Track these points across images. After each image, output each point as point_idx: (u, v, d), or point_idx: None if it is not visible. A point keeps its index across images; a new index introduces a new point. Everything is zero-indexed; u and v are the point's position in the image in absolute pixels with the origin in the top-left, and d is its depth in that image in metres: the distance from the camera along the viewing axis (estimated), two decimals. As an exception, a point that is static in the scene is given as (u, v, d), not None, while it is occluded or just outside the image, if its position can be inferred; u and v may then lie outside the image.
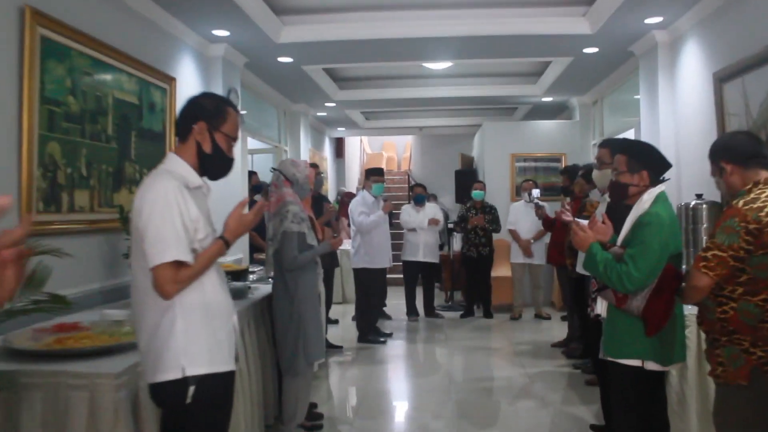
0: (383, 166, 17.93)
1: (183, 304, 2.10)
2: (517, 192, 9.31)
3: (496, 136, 9.67)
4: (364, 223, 6.80)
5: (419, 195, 8.40)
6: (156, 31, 5.16)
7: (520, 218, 8.30)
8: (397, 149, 18.91)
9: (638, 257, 2.67)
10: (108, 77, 4.34)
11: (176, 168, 2.24)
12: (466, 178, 9.46)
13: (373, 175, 7.04)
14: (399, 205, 10.08)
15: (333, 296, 8.03)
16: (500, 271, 8.96)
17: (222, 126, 2.27)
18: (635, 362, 2.80)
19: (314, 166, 6.55)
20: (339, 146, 14.13)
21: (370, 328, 7.05)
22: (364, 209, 6.88)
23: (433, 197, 12.54)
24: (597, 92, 8.99)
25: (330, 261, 6.43)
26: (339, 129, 13.07)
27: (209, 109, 2.27)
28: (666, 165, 2.93)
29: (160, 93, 5.21)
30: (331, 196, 12.67)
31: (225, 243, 2.22)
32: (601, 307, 2.97)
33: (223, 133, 2.27)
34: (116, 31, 4.44)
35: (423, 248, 8.21)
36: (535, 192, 7.17)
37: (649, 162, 2.91)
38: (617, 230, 3.01)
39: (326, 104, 9.84)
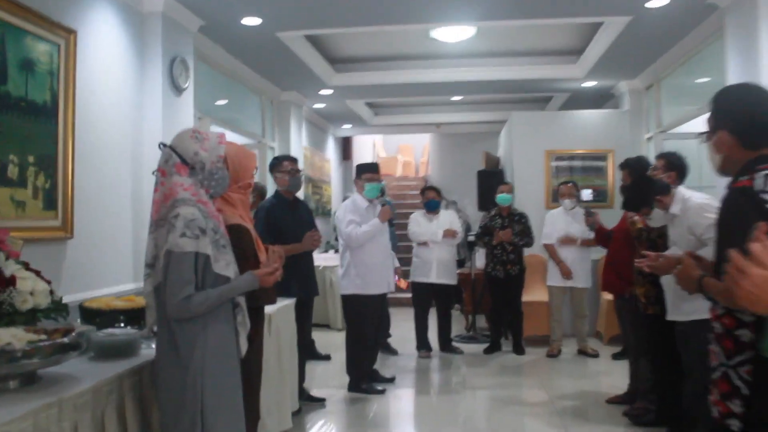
0: (399, 171, 16.28)
1: None
2: (554, 197, 7.60)
3: (527, 129, 7.94)
4: (354, 235, 5.13)
5: (432, 201, 6.72)
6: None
7: (558, 230, 6.57)
8: (414, 153, 17.27)
9: None
10: None
11: None
12: (491, 179, 7.76)
13: (365, 172, 5.37)
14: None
15: (328, 322, 6.44)
16: (534, 294, 7.22)
17: None
18: None
19: (291, 159, 4.93)
20: (346, 147, 12.50)
21: (364, 374, 5.36)
22: (354, 217, 5.20)
23: (453, 204, 10.90)
24: (652, 74, 7.24)
25: (306, 285, 4.78)
26: (344, 127, 11.43)
27: None
28: None
29: (48, 48, 3.61)
30: (335, 205, 11.04)
31: None
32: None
33: None
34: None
35: (437, 266, 6.52)
36: (586, 193, 5.43)
37: None
38: None
39: (321, 92, 8.21)
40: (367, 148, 14.84)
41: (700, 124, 6.72)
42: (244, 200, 2.69)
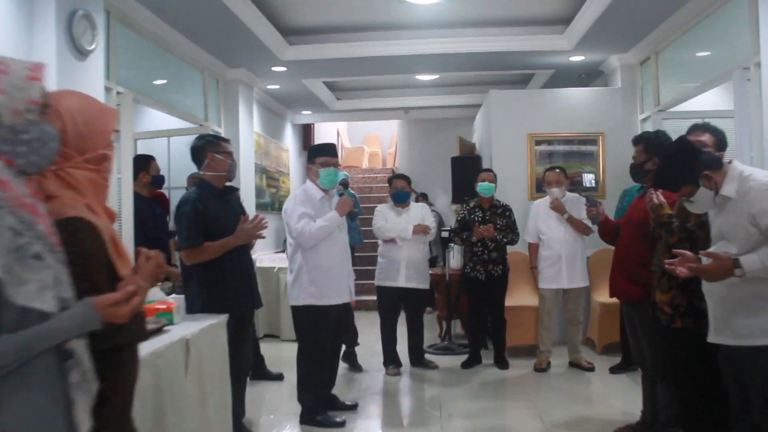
0: (365, 163, 15.32)
1: None
2: (538, 187, 6.72)
3: (507, 110, 7.02)
4: (307, 231, 4.14)
5: (401, 191, 5.76)
6: None
7: (543, 225, 5.69)
8: (381, 143, 16.33)
9: None
10: None
11: None
12: (467, 167, 6.84)
13: (319, 154, 4.37)
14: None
15: (279, 332, 5.44)
16: (518, 298, 6.32)
17: None
18: None
19: (222, 140, 3.95)
20: (306, 136, 11.46)
21: (320, 401, 4.38)
22: (306, 210, 4.21)
23: (423, 197, 9.98)
24: (648, 46, 6.39)
25: (244, 296, 3.80)
26: (304, 113, 10.41)
27: None
28: None
29: None
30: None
31: None
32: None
33: None
34: None
35: (406, 268, 5.58)
36: (588, 178, 4.52)
37: None
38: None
39: (274, 68, 7.18)
40: (331, 137, 13.83)
41: (704, 101, 5.92)
42: (97, 181, 1.70)
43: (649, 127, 6.40)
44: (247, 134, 7.41)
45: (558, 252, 5.59)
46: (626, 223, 3.97)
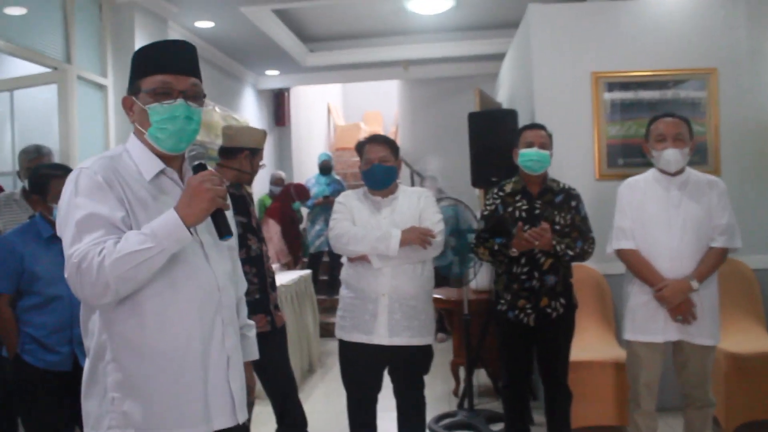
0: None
1: None
2: (611, 158, 4.16)
3: (558, 34, 4.37)
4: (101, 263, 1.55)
5: (378, 167, 3.12)
6: None
7: (649, 218, 3.04)
8: (384, 122, 13.70)
9: None
10: None
11: None
12: (495, 126, 4.25)
13: (145, 70, 1.74)
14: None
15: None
16: (588, 348, 3.73)
17: None
18: None
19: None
20: (279, 108, 8.86)
21: None
22: (98, 205, 1.61)
23: (431, 181, 7.34)
24: None
25: None
26: (269, 73, 7.81)
27: None
28: None
29: None
30: (261, 187, 7.51)
31: None
32: None
33: None
34: None
35: (389, 310, 3.00)
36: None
37: None
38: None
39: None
40: (318, 111, 11.25)
41: None
42: None
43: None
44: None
45: (668, 271, 2.98)
46: None
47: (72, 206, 1.62)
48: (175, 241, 1.57)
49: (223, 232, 1.68)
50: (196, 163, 1.70)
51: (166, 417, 1.66)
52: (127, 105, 1.77)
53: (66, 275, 1.58)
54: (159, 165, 1.74)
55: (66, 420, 2.73)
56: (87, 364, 1.71)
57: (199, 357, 1.70)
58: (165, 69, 1.71)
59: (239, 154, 3.04)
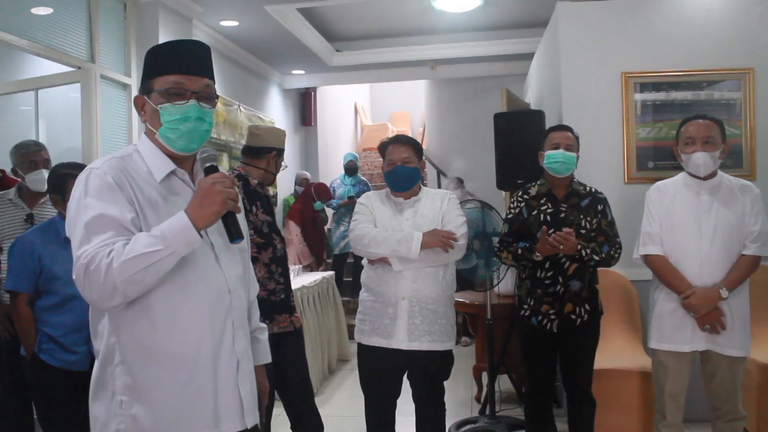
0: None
1: None
2: (640, 161, 4.05)
3: (588, 33, 4.28)
4: (110, 265, 1.53)
5: (400, 168, 3.06)
6: None
7: (678, 224, 2.94)
8: (411, 122, 13.63)
9: None
10: None
11: None
12: (522, 127, 4.16)
13: (158, 69, 1.69)
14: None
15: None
16: (614, 356, 3.64)
17: None
18: None
19: None
20: (306, 107, 8.85)
21: None
22: (108, 206, 1.57)
23: (457, 183, 7.24)
24: None
25: None
26: (296, 72, 7.80)
27: None
28: None
29: None
30: (286, 186, 7.51)
31: None
32: None
33: None
34: None
35: (409, 314, 2.94)
36: None
37: None
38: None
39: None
40: (345, 111, 11.22)
41: None
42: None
43: None
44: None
45: (697, 278, 2.88)
46: None
47: (81, 207, 1.60)
48: (185, 243, 1.54)
49: (234, 235, 1.64)
50: (208, 164, 1.67)
51: (175, 421, 1.63)
52: (139, 104, 1.74)
53: (74, 277, 1.56)
54: (170, 165, 1.71)
55: (82, 419, 2.73)
56: (95, 367, 1.69)
57: (209, 360, 1.66)
58: (178, 69, 1.68)
59: (267, 154, 3.02)
